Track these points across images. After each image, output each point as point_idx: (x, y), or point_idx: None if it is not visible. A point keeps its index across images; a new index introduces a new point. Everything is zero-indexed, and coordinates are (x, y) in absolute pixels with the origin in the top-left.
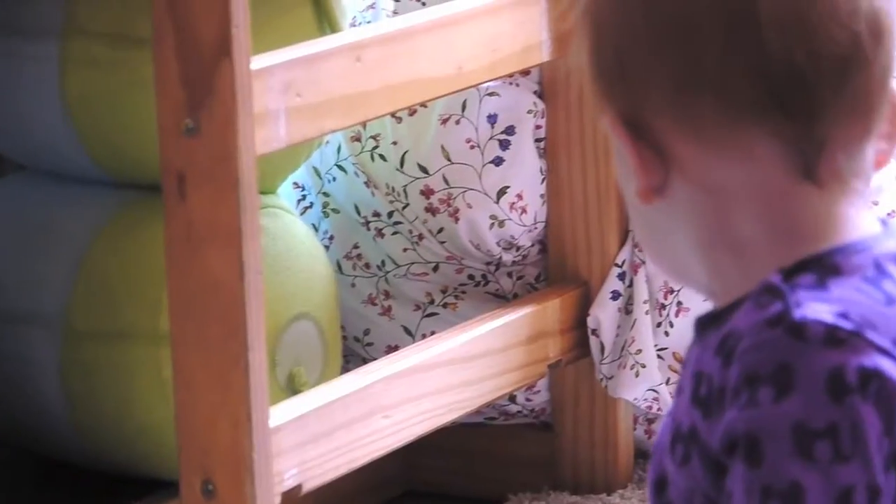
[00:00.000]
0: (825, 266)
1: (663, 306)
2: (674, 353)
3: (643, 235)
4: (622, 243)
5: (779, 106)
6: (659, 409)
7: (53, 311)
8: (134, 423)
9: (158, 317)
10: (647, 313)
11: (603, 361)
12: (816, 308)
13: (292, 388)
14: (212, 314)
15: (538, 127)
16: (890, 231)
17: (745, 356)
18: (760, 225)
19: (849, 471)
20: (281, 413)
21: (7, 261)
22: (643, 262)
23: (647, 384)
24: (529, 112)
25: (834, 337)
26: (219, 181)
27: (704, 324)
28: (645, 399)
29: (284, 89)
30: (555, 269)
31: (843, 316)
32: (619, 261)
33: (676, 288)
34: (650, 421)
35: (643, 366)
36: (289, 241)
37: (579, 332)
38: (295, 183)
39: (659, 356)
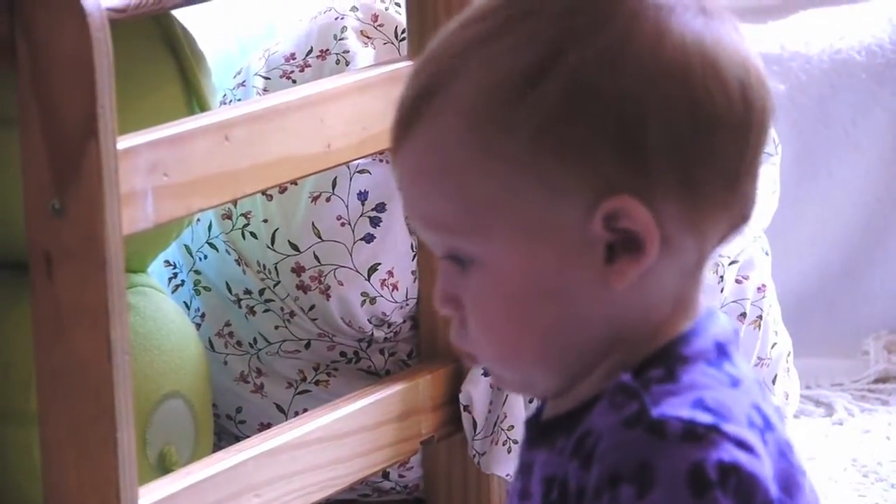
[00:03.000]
0: (671, 357)
1: None
2: None
3: (504, 308)
4: None
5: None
6: None
7: None
8: (3, 502)
9: (29, 397)
10: None
11: (475, 437)
12: (672, 403)
13: (163, 467)
14: (80, 394)
15: None
16: (714, 311)
17: (606, 457)
18: (664, 307)
19: None
20: (151, 493)
21: None
22: None
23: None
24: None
25: (692, 433)
26: (86, 261)
27: (549, 427)
28: None
29: (151, 169)
30: (426, 346)
31: (699, 405)
32: None
33: None
34: None
35: (515, 441)
36: (159, 319)
37: (451, 408)
38: (167, 261)
39: None
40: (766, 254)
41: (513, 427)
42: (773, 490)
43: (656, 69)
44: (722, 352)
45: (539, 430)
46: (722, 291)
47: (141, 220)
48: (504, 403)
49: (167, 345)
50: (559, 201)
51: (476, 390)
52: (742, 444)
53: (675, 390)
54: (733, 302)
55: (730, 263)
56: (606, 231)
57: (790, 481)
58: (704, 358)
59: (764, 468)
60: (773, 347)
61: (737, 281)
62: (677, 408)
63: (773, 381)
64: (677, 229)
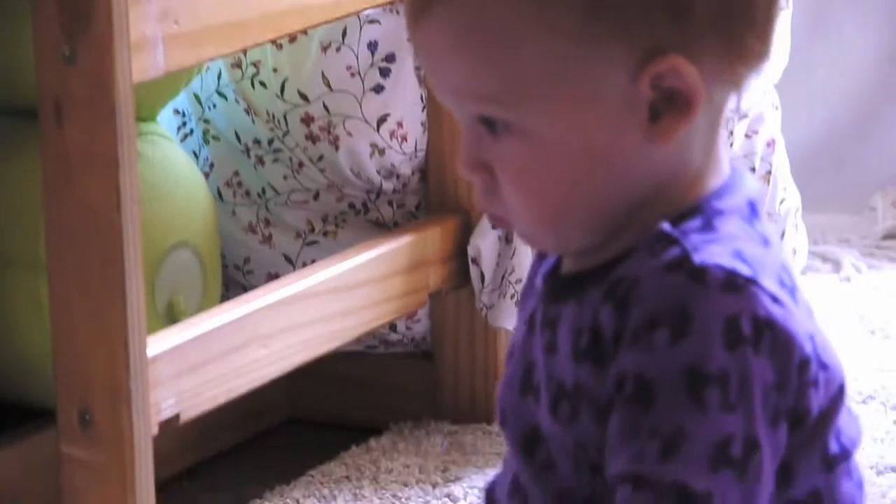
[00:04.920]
0: (708, 209)
1: None
2: None
3: (553, 174)
4: None
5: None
6: None
7: None
8: (12, 350)
9: (37, 244)
10: None
11: (483, 290)
12: (714, 251)
13: (171, 316)
14: (89, 243)
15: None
16: (742, 170)
17: (646, 300)
18: (697, 159)
19: (731, 420)
20: (159, 342)
21: None
22: None
23: None
24: (410, 40)
25: (733, 283)
26: (96, 109)
27: (577, 280)
28: None
29: (162, 17)
30: (435, 198)
31: (739, 256)
32: None
33: None
34: None
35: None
36: (168, 168)
37: (460, 261)
38: (175, 110)
39: None
40: (776, 108)
41: (521, 280)
42: (809, 346)
43: None
44: (753, 210)
45: (564, 284)
46: (731, 146)
47: (151, 68)
48: (512, 256)
49: (176, 194)
50: (606, 65)
51: (484, 243)
52: (776, 300)
53: (715, 239)
54: (743, 157)
55: (739, 118)
56: (651, 91)
57: (820, 341)
58: (739, 213)
59: (798, 325)
60: (781, 203)
61: (746, 136)
62: (718, 256)
63: (782, 237)
64: (716, 83)
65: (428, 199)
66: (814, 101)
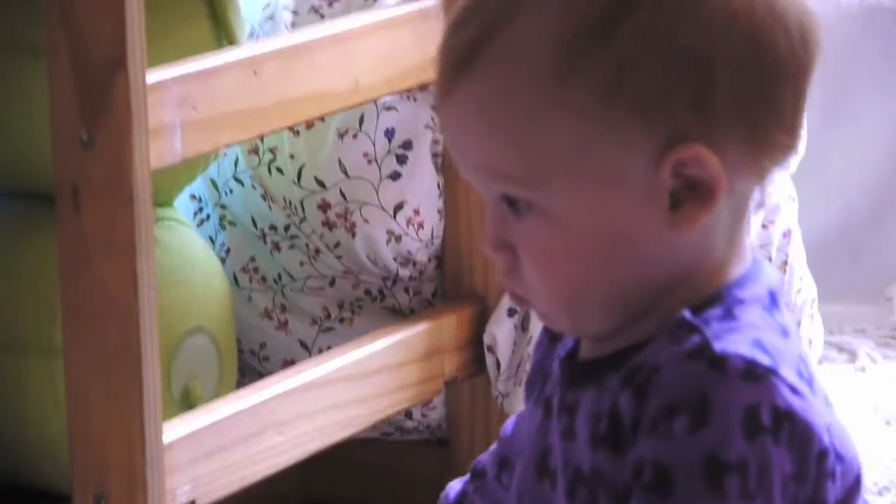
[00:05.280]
0: (729, 298)
1: None
2: None
3: (573, 256)
4: None
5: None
6: None
7: None
8: (28, 435)
9: (53, 329)
10: (543, 330)
11: (499, 378)
12: (734, 340)
13: (187, 402)
14: (105, 328)
15: (436, 142)
16: (762, 260)
17: (666, 388)
18: (720, 247)
19: None
20: (175, 428)
21: None
22: None
23: None
24: (427, 127)
25: (752, 373)
26: (113, 195)
27: (595, 367)
28: None
29: (180, 103)
30: (451, 286)
31: (759, 345)
32: None
33: None
34: None
35: None
36: (184, 253)
37: (475, 348)
38: (192, 195)
39: None
40: (792, 199)
41: None
42: (826, 438)
43: (726, 18)
44: (773, 300)
45: (583, 370)
46: (763, 206)
47: (169, 154)
48: (528, 344)
49: (193, 279)
50: (627, 149)
51: (500, 331)
52: (795, 391)
53: (736, 328)
54: (759, 247)
55: (756, 208)
56: (673, 179)
57: (838, 433)
58: (760, 302)
59: (816, 416)
60: (797, 293)
61: (763, 226)
62: (739, 345)
63: (798, 327)
64: (738, 173)
65: (444, 286)
66: (830, 191)
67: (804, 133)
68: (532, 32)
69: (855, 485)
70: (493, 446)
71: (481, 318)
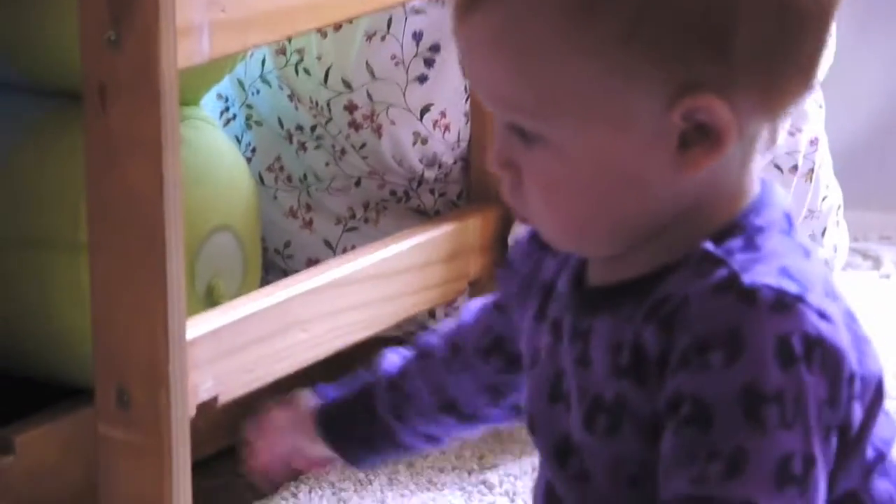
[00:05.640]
0: (747, 226)
1: None
2: None
3: (578, 191)
4: None
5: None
6: None
7: None
8: (51, 330)
9: (78, 225)
10: None
11: None
12: (761, 270)
13: (211, 299)
14: (131, 226)
15: None
16: (771, 182)
17: (696, 323)
18: (730, 183)
19: (790, 438)
20: (198, 325)
21: None
22: None
23: None
24: (454, 34)
25: (782, 302)
26: (140, 94)
27: (610, 293)
28: None
29: (208, 3)
30: (476, 188)
31: (785, 273)
32: None
33: None
34: None
35: None
36: (210, 152)
37: (500, 249)
38: (219, 94)
39: None
40: (820, 106)
41: None
42: (854, 360)
43: None
44: (790, 222)
45: (595, 296)
46: (775, 143)
47: (196, 53)
48: None
49: (218, 178)
50: (641, 93)
51: (524, 233)
52: (823, 315)
53: (760, 258)
54: (786, 154)
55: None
56: (683, 122)
57: (860, 350)
58: (779, 227)
59: (844, 338)
60: (823, 200)
61: (790, 133)
62: (766, 276)
63: (823, 234)
64: (752, 118)
65: (469, 188)
66: (857, 98)
67: (834, 42)
68: None
69: (876, 399)
70: (445, 328)
71: (506, 220)
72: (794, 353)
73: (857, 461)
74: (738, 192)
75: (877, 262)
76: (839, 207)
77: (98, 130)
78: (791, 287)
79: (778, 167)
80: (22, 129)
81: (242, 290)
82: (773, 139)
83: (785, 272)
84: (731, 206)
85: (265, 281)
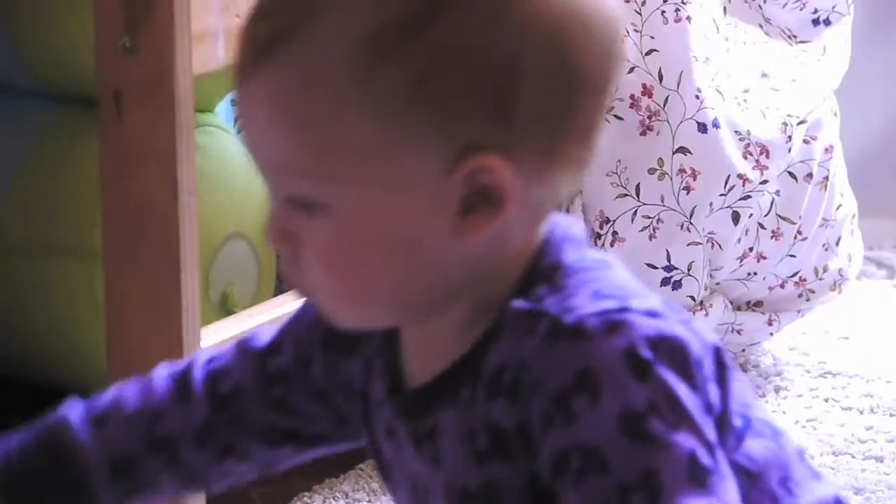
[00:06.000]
0: (544, 269)
1: (599, 236)
2: None
3: (358, 257)
4: None
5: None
6: None
7: None
8: (65, 337)
9: (93, 233)
10: None
11: None
12: (575, 304)
13: (225, 307)
14: (145, 233)
15: None
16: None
17: (544, 381)
18: (516, 245)
19: (683, 437)
20: (213, 333)
21: None
22: (579, 192)
23: None
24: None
25: (610, 323)
26: (155, 100)
27: (441, 386)
28: None
29: (223, 10)
30: None
31: (598, 296)
32: None
33: (612, 218)
34: None
35: None
36: (225, 159)
37: None
38: (233, 101)
39: None
40: (835, 114)
41: None
42: (696, 344)
43: (532, 29)
44: (578, 242)
45: (423, 396)
46: (790, 152)
47: (211, 59)
48: None
49: (232, 185)
50: (422, 156)
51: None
52: (652, 314)
53: (569, 294)
54: (800, 162)
55: (798, 123)
56: (465, 185)
57: (690, 330)
58: (573, 256)
59: (677, 327)
60: (838, 209)
61: (804, 141)
62: (583, 307)
63: (837, 243)
64: (536, 181)
65: None
66: (872, 106)
67: (848, 50)
68: (336, 30)
69: (720, 369)
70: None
71: None
72: (644, 361)
73: (730, 434)
74: (530, 242)
75: (891, 271)
76: (853, 216)
77: (113, 137)
78: (610, 304)
79: (792, 175)
80: (37, 136)
81: (257, 298)
82: (548, 209)
83: (598, 295)
84: (524, 258)
85: (280, 289)
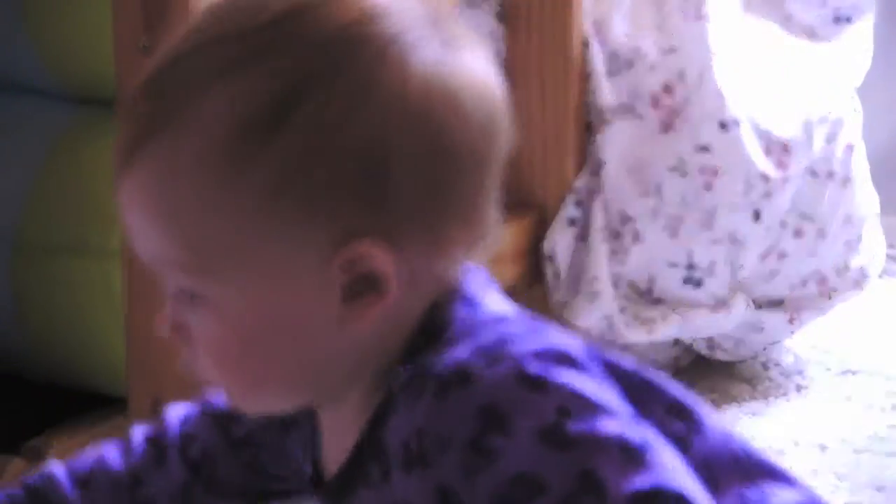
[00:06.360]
0: (431, 335)
1: (619, 234)
2: (629, 282)
3: (242, 347)
4: (580, 169)
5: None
6: (613, 337)
7: (5, 223)
8: (84, 338)
9: (112, 232)
10: (602, 241)
11: (557, 288)
12: (455, 354)
13: None
14: None
15: (497, 50)
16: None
17: (448, 439)
18: (407, 325)
19: (604, 427)
20: None
21: None
22: (600, 190)
23: (602, 312)
24: (489, 35)
25: (489, 355)
26: None
27: (351, 471)
28: (598, 326)
29: None
30: (511, 195)
31: (478, 347)
32: (576, 187)
33: (633, 217)
34: (604, 348)
35: (598, 293)
36: None
37: (534, 258)
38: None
39: (613, 284)
40: (856, 112)
41: (595, 278)
42: (571, 345)
43: (399, 114)
44: (479, 298)
45: (339, 482)
46: (811, 150)
47: None
48: (588, 255)
49: None
50: (296, 245)
51: (559, 240)
52: (520, 336)
53: (452, 349)
54: (821, 160)
55: (819, 121)
56: (344, 273)
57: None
58: (464, 312)
59: (543, 337)
60: (859, 207)
61: (826, 139)
62: (459, 353)
63: (859, 241)
64: (419, 263)
65: (504, 196)
66: (894, 104)
67: (870, 48)
68: (198, 127)
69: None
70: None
71: (540, 228)
72: (535, 376)
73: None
74: (418, 308)
75: None
76: (875, 214)
77: None
78: (487, 342)
79: (814, 173)
80: (57, 136)
81: None
82: (443, 283)
83: (476, 342)
84: (412, 324)
85: None
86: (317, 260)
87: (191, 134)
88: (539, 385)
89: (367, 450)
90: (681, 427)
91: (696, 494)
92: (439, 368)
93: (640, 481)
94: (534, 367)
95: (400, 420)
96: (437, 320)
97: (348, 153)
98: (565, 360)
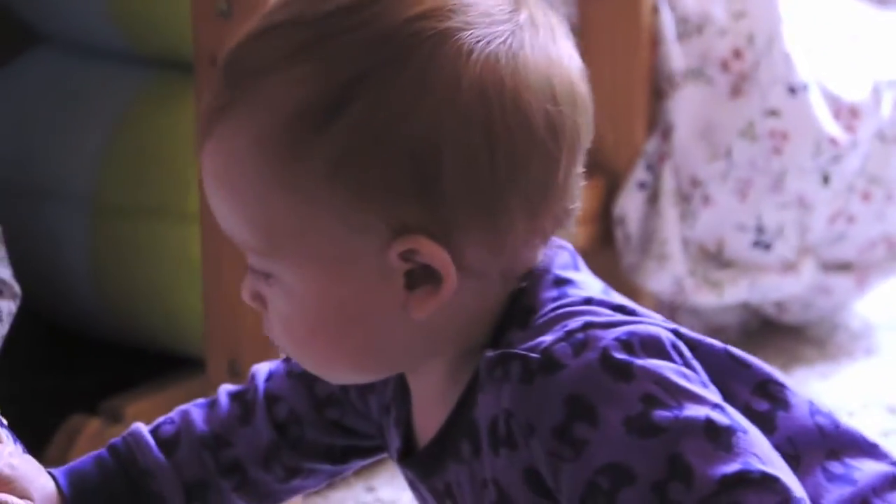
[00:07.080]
0: (517, 315)
1: (688, 198)
2: (699, 245)
3: (310, 327)
4: (650, 133)
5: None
6: (682, 300)
7: (83, 186)
8: (160, 299)
9: (188, 195)
10: (672, 204)
11: (628, 251)
12: (539, 338)
13: None
14: None
15: (569, 14)
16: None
17: (538, 423)
18: (477, 314)
19: (692, 411)
20: None
21: (37, 135)
22: (670, 154)
23: (671, 274)
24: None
25: (577, 342)
26: None
27: (439, 447)
28: (668, 289)
29: None
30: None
31: (565, 329)
32: (646, 151)
33: (703, 181)
34: (673, 310)
35: (668, 256)
36: None
37: (605, 222)
38: None
39: (683, 247)
40: None
41: (665, 241)
42: (664, 333)
43: (454, 109)
44: (556, 278)
45: (429, 458)
46: (880, 113)
47: None
48: (657, 218)
49: None
50: (354, 234)
51: (630, 204)
52: (613, 324)
53: (539, 332)
54: (890, 124)
55: (888, 85)
56: (404, 262)
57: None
58: (550, 293)
59: (639, 327)
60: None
61: (894, 104)
62: (546, 340)
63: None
64: (480, 257)
65: None
66: None
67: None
68: (267, 109)
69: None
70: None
71: (611, 192)
72: (621, 362)
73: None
74: (501, 296)
75: None
76: None
77: None
78: (573, 323)
79: (882, 137)
80: (132, 99)
81: None
82: (515, 274)
83: (564, 329)
84: (500, 306)
85: None
86: (376, 248)
87: (254, 114)
88: (624, 373)
89: (457, 425)
90: (766, 405)
91: (782, 476)
92: (525, 352)
93: (727, 465)
94: (620, 356)
95: (487, 400)
96: (525, 303)
97: (400, 151)
98: (650, 345)
